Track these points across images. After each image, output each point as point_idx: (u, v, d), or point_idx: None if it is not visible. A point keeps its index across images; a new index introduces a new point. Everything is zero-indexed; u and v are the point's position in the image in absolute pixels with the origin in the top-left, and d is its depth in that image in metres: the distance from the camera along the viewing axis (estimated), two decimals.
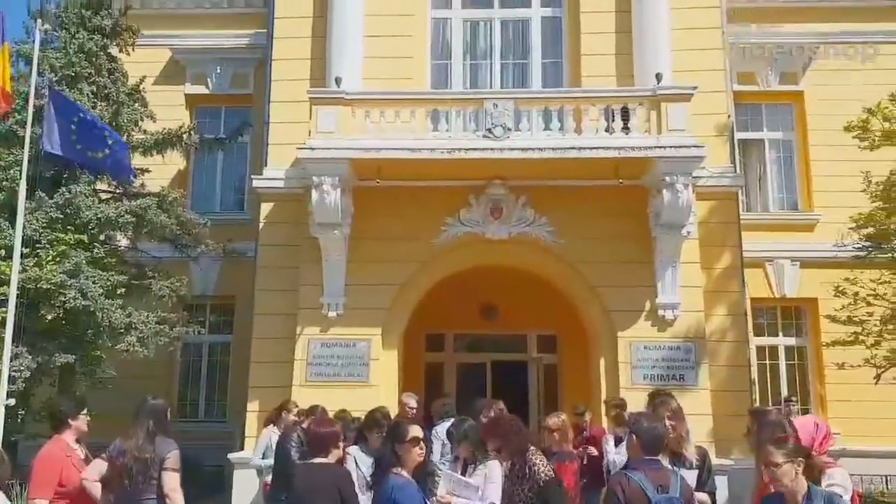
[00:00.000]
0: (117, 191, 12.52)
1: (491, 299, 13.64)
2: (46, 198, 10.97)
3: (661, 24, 12.23)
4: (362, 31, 12.50)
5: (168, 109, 13.85)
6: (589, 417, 9.41)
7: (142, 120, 12.68)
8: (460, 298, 12.71)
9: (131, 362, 11.47)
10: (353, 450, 6.53)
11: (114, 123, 11.66)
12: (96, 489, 5.07)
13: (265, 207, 12.35)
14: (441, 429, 7.68)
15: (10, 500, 7.75)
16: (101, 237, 11.64)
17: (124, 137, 11.46)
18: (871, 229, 11.60)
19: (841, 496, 3.92)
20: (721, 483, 8.56)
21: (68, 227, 10.99)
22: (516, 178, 11.46)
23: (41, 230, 10.77)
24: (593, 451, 8.20)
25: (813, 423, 4.47)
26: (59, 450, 5.21)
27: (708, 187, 11.78)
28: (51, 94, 9.53)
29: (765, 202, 14.90)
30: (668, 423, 5.12)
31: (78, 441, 5.38)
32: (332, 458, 4.93)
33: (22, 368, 9.96)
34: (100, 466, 5.13)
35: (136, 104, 12.65)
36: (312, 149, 11.01)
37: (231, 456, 11.45)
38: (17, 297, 8.63)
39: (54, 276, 10.31)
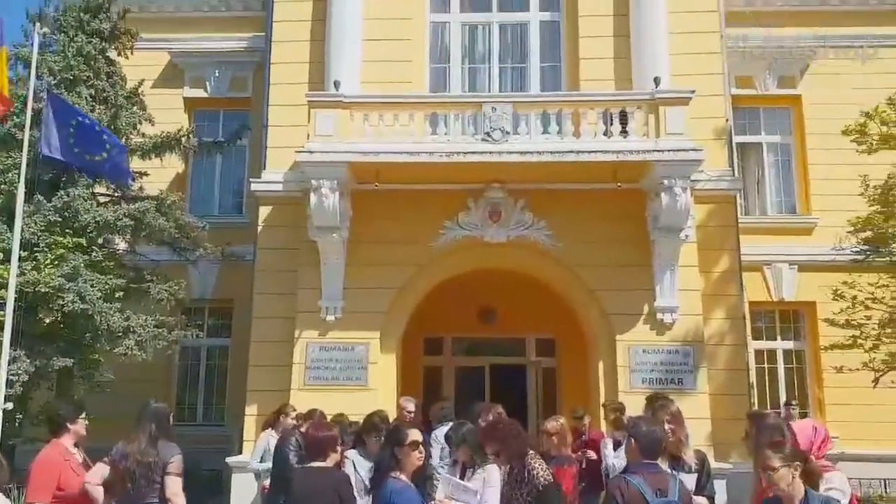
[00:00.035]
0: (116, 194, 12.52)
1: (489, 303, 13.64)
2: (45, 201, 10.98)
3: (660, 27, 12.26)
4: (361, 34, 12.51)
5: (166, 113, 13.85)
6: (588, 421, 9.41)
7: (140, 123, 12.68)
8: (459, 302, 12.71)
9: (129, 366, 11.45)
10: (352, 454, 6.52)
11: (112, 127, 11.65)
12: (99, 493, 5.06)
13: (263, 211, 12.34)
14: (440, 432, 7.67)
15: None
16: (100, 240, 11.65)
17: (123, 141, 11.45)
18: (868, 233, 11.61)
19: (839, 500, 3.93)
20: (720, 487, 8.53)
21: (66, 231, 10.99)
22: (515, 182, 11.47)
23: (39, 233, 10.76)
24: (592, 454, 8.19)
25: (811, 427, 4.48)
26: (57, 454, 5.20)
27: (706, 191, 11.78)
28: (49, 98, 9.53)
29: (763, 206, 14.93)
30: (667, 426, 5.13)
31: (76, 445, 5.35)
32: (330, 462, 4.93)
33: (20, 372, 9.95)
34: (102, 470, 5.12)
35: (135, 107, 12.66)
36: (311, 152, 11.02)
37: (229, 460, 11.45)
38: (16, 301, 8.60)
39: (52, 279, 10.31)
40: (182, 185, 14.93)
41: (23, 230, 9.19)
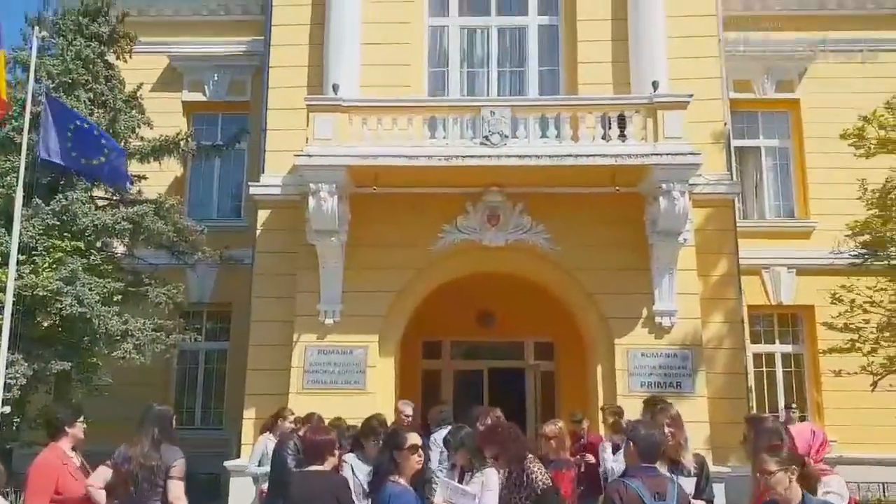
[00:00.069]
0: (114, 198, 12.51)
1: (488, 306, 13.64)
2: (43, 205, 10.97)
3: (658, 32, 12.28)
4: (359, 38, 12.52)
5: (165, 116, 13.84)
6: (586, 425, 9.38)
7: (139, 127, 12.67)
8: (457, 305, 12.71)
9: (127, 369, 11.45)
10: (350, 457, 6.52)
11: (111, 130, 11.65)
12: (101, 496, 5.05)
13: (262, 214, 12.34)
14: (439, 436, 7.66)
15: None
16: (98, 244, 11.63)
17: (121, 144, 11.44)
18: (867, 237, 11.62)
19: None
20: (718, 491, 8.53)
21: (65, 234, 10.98)
22: (513, 186, 11.47)
23: (38, 237, 10.75)
24: (591, 458, 8.17)
25: (810, 431, 4.48)
26: (55, 457, 5.19)
27: (704, 195, 11.80)
28: (48, 101, 9.54)
29: (761, 209, 14.92)
30: (667, 430, 5.12)
31: (74, 449, 5.34)
32: (327, 466, 4.92)
33: (18, 376, 9.93)
34: (104, 473, 5.11)
35: (134, 111, 12.64)
36: (310, 156, 11.02)
37: (227, 464, 11.43)
38: (14, 304, 8.60)
39: (50, 283, 10.30)
40: (181, 188, 14.92)
41: (21, 234, 9.19)
